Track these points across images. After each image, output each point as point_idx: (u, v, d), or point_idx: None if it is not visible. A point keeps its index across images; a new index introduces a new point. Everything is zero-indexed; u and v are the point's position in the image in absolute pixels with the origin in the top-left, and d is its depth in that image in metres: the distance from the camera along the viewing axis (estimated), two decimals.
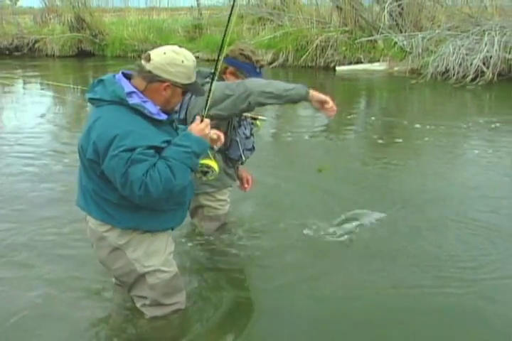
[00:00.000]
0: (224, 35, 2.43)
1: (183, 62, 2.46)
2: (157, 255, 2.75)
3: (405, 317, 3.14)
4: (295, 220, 4.35)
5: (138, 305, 2.94)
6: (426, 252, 3.91)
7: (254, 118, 3.79)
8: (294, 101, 3.18)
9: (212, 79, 2.56)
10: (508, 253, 3.87)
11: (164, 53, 2.46)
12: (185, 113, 3.43)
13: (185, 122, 3.39)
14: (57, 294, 3.39)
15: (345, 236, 4.08)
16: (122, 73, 2.55)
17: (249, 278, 3.66)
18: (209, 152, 2.71)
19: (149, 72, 2.45)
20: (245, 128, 3.68)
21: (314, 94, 3.14)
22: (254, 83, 3.18)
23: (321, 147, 7.05)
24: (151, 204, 2.51)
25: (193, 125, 2.51)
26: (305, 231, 4.14)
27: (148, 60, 2.44)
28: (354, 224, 4.24)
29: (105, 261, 2.79)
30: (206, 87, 3.12)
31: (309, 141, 7.40)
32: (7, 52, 18.97)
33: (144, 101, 2.48)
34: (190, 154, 2.41)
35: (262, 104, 3.20)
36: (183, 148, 2.41)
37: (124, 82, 2.50)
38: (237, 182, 3.98)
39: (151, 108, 2.50)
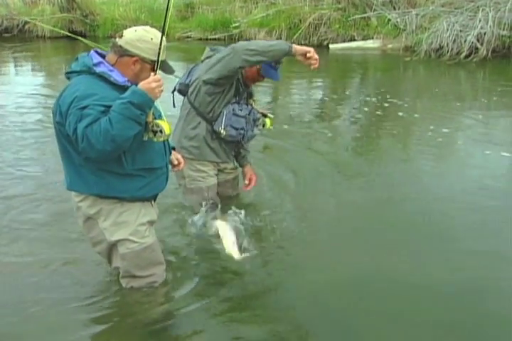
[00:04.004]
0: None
1: (152, 39, 2.61)
2: (126, 225, 2.81)
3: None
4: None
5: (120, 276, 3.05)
6: None
7: (264, 115, 3.86)
8: (279, 56, 3.33)
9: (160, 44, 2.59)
10: None
11: (135, 31, 2.67)
12: (191, 79, 3.67)
13: (188, 87, 3.66)
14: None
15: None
16: (96, 51, 2.73)
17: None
18: (161, 113, 2.78)
19: (120, 46, 2.64)
20: (240, 109, 3.68)
21: (297, 47, 3.26)
22: (240, 43, 3.40)
23: (312, 128, 6.97)
24: (102, 159, 2.55)
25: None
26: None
27: (121, 36, 2.65)
28: None
29: (83, 230, 2.95)
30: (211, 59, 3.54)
31: (301, 121, 7.34)
32: None
33: (111, 70, 2.66)
34: (126, 104, 2.45)
35: (249, 62, 3.34)
36: (121, 99, 2.48)
37: (94, 55, 2.70)
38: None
39: (117, 77, 2.65)
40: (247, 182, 4.09)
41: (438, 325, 2.84)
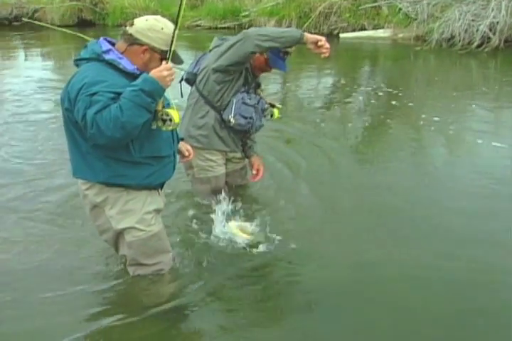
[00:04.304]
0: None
1: (162, 29, 2.62)
2: (132, 214, 2.81)
3: None
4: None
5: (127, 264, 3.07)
6: None
7: (272, 105, 3.86)
8: (290, 43, 3.31)
9: (173, 36, 2.59)
10: None
11: (146, 20, 2.66)
12: (198, 68, 3.68)
13: (195, 76, 3.66)
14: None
15: None
16: (105, 39, 2.72)
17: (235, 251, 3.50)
18: (170, 102, 2.77)
19: (130, 35, 2.63)
20: (249, 98, 3.67)
21: (309, 35, 3.25)
22: (252, 29, 3.43)
23: (321, 117, 6.94)
24: (111, 145, 2.56)
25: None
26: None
27: (132, 25, 2.65)
28: None
29: (90, 218, 2.96)
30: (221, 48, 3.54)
31: (309, 109, 7.31)
32: (6, 22, 18.68)
33: (120, 58, 2.65)
34: (137, 92, 2.45)
35: (261, 48, 3.32)
36: (132, 87, 2.48)
37: (104, 42, 2.69)
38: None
39: (126, 64, 2.65)
40: (254, 172, 4.07)
41: (441, 316, 2.83)
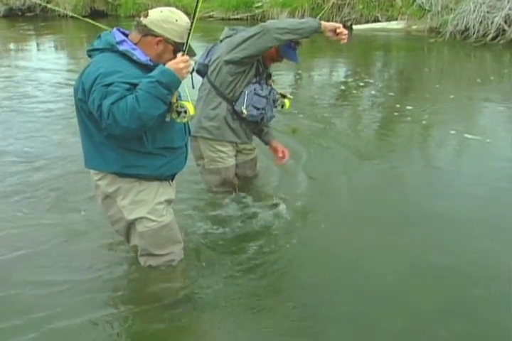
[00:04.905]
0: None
1: (176, 20, 2.65)
2: (144, 204, 2.83)
3: None
4: None
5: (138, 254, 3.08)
6: None
7: (284, 96, 3.85)
8: (309, 33, 3.31)
9: (191, 28, 2.59)
10: None
11: (161, 11, 2.68)
12: (210, 59, 3.69)
13: (207, 67, 3.66)
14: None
15: None
16: (118, 29, 2.73)
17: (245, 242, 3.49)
18: (181, 94, 2.75)
19: (145, 26, 2.64)
20: (261, 88, 3.66)
21: (326, 24, 3.30)
22: (270, 22, 3.45)
23: (334, 110, 6.92)
24: (126, 136, 2.57)
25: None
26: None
27: (146, 16, 2.66)
28: None
29: (102, 209, 2.96)
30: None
31: (321, 103, 7.29)
32: (20, 13, 18.77)
33: (134, 49, 2.65)
34: (154, 83, 2.46)
35: (280, 41, 3.33)
36: (149, 78, 2.49)
37: (117, 33, 2.69)
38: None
39: (140, 55, 2.65)
40: (280, 154, 4.05)
41: (441, 309, 2.83)
